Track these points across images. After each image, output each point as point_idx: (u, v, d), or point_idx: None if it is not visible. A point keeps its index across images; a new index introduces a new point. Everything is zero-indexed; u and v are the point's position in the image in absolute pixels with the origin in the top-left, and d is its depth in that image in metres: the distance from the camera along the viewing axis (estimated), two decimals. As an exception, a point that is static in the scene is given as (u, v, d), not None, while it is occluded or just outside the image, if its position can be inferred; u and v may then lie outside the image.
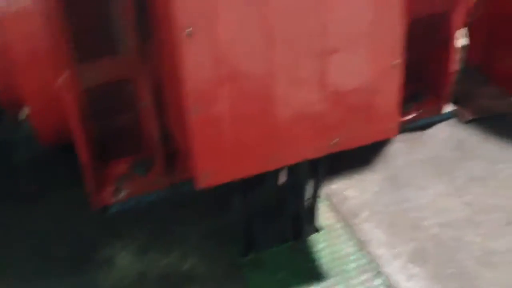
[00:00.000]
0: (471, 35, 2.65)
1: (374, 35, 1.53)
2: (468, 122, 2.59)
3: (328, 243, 1.99)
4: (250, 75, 1.44)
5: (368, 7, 1.44)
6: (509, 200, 2.12)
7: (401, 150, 2.45)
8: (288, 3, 1.36)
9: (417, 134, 2.55)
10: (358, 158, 2.37)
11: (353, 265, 1.90)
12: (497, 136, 2.49)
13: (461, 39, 2.44)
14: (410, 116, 2.43)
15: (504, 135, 2.48)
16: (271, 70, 1.45)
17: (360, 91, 1.60)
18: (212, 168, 1.47)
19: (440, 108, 2.51)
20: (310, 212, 1.97)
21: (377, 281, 1.83)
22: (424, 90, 2.48)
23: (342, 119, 1.62)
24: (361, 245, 1.97)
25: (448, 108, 2.54)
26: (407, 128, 2.46)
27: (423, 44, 2.30)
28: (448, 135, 2.52)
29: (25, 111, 1.72)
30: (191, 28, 1.33)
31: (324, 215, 2.08)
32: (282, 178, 1.94)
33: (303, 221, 2.00)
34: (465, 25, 2.46)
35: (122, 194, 1.71)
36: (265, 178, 1.82)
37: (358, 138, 1.68)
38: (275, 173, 1.87)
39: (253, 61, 1.42)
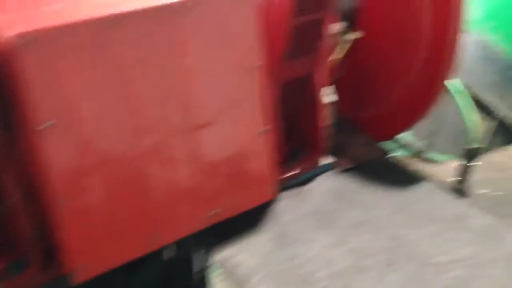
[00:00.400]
0: (338, 91, 2.87)
1: (240, 107, 1.61)
2: (345, 171, 2.76)
3: (223, 312, 1.98)
4: (119, 160, 1.44)
5: (230, 83, 1.52)
6: (387, 242, 2.26)
7: (287, 206, 2.54)
8: (149, 86, 1.40)
9: (300, 189, 2.67)
10: (247, 220, 2.40)
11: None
12: (371, 182, 2.67)
13: (329, 96, 2.64)
14: (292, 173, 2.55)
15: (376, 180, 2.67)
16: (141, 153, 1.47)
17: (233, 161, 1.66)
18: (87, 261, 1.43)
19: (318, 162, 2.66)
20: (201, 285, 1.96)
21: None
22: (303, 146, 2.63)
23: (219, 189, 1.66)
24: (257, 308, 1.99)
25: (326, 160, 2.71)
26: (290, 184, 2.58)
27: (295, 104, 2.46)
28: (328, 187, 2.66)
29: None
30: (51, 122, 1.31)
31: (217, 285, 2.08)
32: (169, 253, 1.92)
33: (195, 295, 1.98)
34: (331, 83, 2.67)
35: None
36: (149, 258, 1.79)
37: (237, 205, 1.74)
38: (159, 251, 1.85)
39: (121, 147, 1.44)
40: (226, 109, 1.51)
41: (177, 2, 1.32)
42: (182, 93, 1.41)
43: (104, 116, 1.33)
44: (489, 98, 3.42)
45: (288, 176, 2.51)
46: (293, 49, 2.02)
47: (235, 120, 1.55)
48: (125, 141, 1.39)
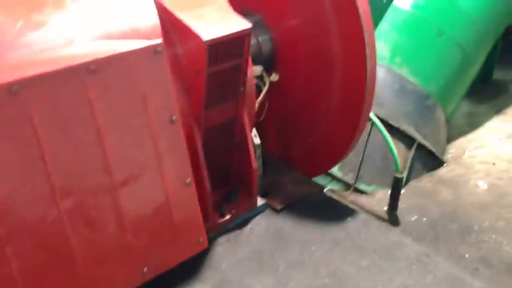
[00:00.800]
0: (266, 131, 2.92)
1: (161, 160, 1.58)
2: (280, 210, 2.78)
3: None
4: (37, 227, 1.36)
5: (148, 137, 1.50)
6: (328, 279, 2.27)
7: (225, 252, 2.49)
8: (63, 148, 1.35)
9: (237, 233, 2.64)
10: (186, 269, 2.34)
11: None
12: (307, 218, 2.70)
13: (255, 138, 2.67)
14: (227, 217, 2.53)
15: (312, 217, 2.70)
16: (61, 216, 1.40)
17: (160, 214, 1.62)
18: None
19: (253, 204, 2.66)
20: None
21: None
22: (236, 189, 2.62)
23: (149, 245, 1.61)
24: None
25: (260, 201, 2.71)
26: (226, 229, 2.55)
27: (224, 148, 2.46)
28: (264, 228, 2.65)
29: None
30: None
31: None
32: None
33: None
34: (256, 125, 2.72)
35: None
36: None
37: (169, 260, 1.69)
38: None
39: (38, 212, 1.36)
40: (147, 164, 1.49)
41: (83, 63, 1.31)
42: (99, 152, 1.37)
43: (16, 181, 1.27)
44: (406, 127, 3.60)
45: (224, 221, 2.49)
46: (213, 96, 2.04)
47: (158, 174, 1.53)
48: (42, 205, 1.32)
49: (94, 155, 1.37)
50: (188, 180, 1.64)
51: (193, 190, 1.65)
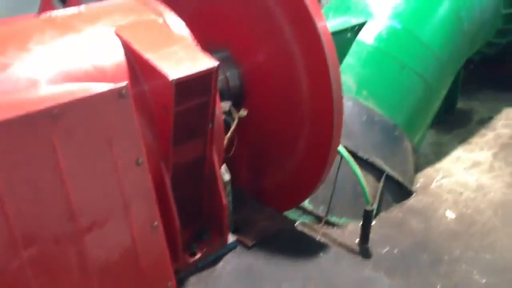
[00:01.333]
0: (237, 167, 2.91)
1: (127, 205, 1.55)
2: (252, 247, 2.74)
3: None
4: (-2, 275, 1.31)
5: (114, 182, 1.47)
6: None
7: (196, 293, 2.44)
8: (26, 196, 1.30)
9: (208, 271, 2.59)
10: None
11: None
12: (279, 254, 2.67)
13: (225, 174, 2.65)
14: (198, 256, 2.48)
15: (284, 252, 2.67)
16: (24, 266, 1.34)
17: (126, 262, 1.57)
18: None
19: (224, 241, 2.61)
20: None
21: None
22: (207, 227, 2.58)
23: (116, 291, 1.56)
24: None
25: (231, 238, 2.67)
26: (197, 268, 2.50)
27: (194, 185, 2.43)
28: (236, 266, 2.60)
29: None
30: None
31: None
32: None
33: None
34: (226, 161, 2.70)
35: None
36: None
37: (138, 305, 1.63)
38: None
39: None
40: (113, 209, 1.45)
41: (45, 108, 1.28)
42: (62, 199, 1.33)
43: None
44: (375, 159, 3.64)
45: (194, 260, 2.44)
46: (181, 133, 2.02)
47: (124, 218, 1.49)
48: (3, 255, 1.26)
49: (57, 201, 1.32)
50: (156, 223, 1.60)
51: (160, 233, 1.61)
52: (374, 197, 3.46)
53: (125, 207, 1.48)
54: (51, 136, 1.29)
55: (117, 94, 1.46)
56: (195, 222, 2.53)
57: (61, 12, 1.90)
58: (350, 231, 3.17)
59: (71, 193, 1.34)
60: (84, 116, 1.36)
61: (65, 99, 1.32)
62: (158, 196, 1.78)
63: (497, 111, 5.16)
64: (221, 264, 2.56)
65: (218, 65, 2.01)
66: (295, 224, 3.00)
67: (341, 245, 2.92)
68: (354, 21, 3.94)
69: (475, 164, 4.20)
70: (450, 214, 3.46)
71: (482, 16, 4.54)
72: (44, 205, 1.32)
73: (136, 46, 1.84)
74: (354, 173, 3.04)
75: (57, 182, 1.31)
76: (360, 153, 3.58)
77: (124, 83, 1.49)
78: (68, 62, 1.65)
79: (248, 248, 2.75)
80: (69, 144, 1.32)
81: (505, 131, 4.75)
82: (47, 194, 1.31)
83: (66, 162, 1.29)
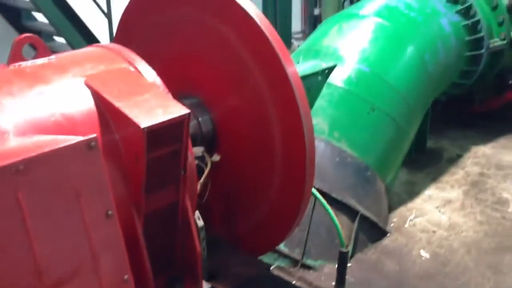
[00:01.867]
0: (210, 213, 2.88)
1: (98, 258, 1.51)
2: (226, 294, 2.69)
3: None
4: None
5: (83, 236, 1.43)
6: None
7: None
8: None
9: (182, 321, 2.52)
10: None
11: None
12: (255, 300, 2.63)
13: (198, 220, 2.62)
14: (171, 305, 2.41)
15: (259, 298, 2.63)
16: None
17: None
18: None
19: (198, 288, 2.56)
20: None
21: None
22: (180, 274, 2.52)
23: None
24: None
25: (206, 286, 2.62)
26: (171, 318, 2.42)
27: (167, 232, 2.39)
28: (211, 314, 2.54)
29: None
30: None
31: None
32: None
33: None
34: (199, 207, 2.68)
35: None
36: None
37: None
38: None
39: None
40: (82, 263, 1.41)
41: (10, 164, 1.26)
42: (28, 255, 1.29)
43: None
44: (348, 200, 3.67)
45: (168, 311, 2.37)
46: (153, 181, 2.00)
47: (93, 273, 1.45)
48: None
49: (23, 258, 1.28)
50: (126, 276, 1.56)
51: (132, 286, 1.57)
52: (349, 238, 3.46)
53: (94, 261, 1.45)
54: (17, 191, 1.26)
55: (85, 146, 1.44)
56: (168, 270, 2.48)
57: (30, 63, 1.90)
58: (327, 273, 3.16)
59: (37, 249, 1.31)
60: (51, 170, 1.34)
61: (32, 153, 1.31)
62: (130, 246, 1.74)
63: (466, 149, 5.30)
64: (195, 313, 2.50)
65: (190, 113, 2.01)
66: (271, 268, 2.97)
67: (317, 288, 2.90)
68: (324, 65, 4.04)
69: (447, 203, 4.27)
70: (425, 254, 3.48)
71: (446, 59, 4.72)
72: (9, 262, 1.27)
73: (107, 95, 1.84)
74: (328, 215, 3.05)
75: (23, 238, 1.27)
76: (334, 194, 3.60)
77: (93, 135, 1.48)
78: (37, 113, 1.63)
79: (223, 295, 2.70)
80: (35, 199, 1.30)
81: (474, 168, 4.87)
82: (12, 250, 1.27)
83: (32, 217, 1.27)
